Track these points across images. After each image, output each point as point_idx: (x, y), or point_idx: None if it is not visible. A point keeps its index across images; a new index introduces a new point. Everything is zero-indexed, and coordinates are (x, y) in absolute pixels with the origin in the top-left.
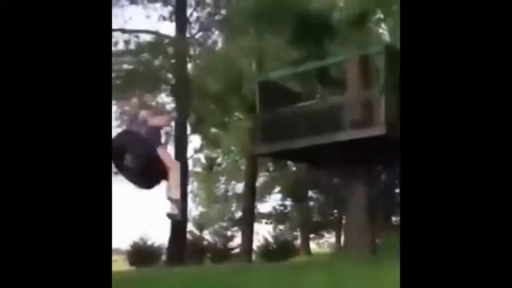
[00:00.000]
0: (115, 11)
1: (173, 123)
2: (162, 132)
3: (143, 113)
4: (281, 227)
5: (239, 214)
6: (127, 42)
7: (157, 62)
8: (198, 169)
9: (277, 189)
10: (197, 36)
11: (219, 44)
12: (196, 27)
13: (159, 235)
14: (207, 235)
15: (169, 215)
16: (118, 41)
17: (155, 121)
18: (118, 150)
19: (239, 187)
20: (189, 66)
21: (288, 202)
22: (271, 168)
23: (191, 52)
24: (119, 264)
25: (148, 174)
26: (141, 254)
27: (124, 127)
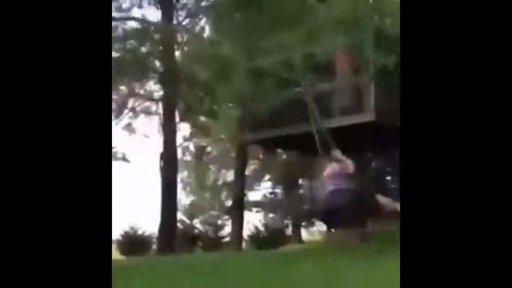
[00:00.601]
0: None
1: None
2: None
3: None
4: (271, 215)
5: (229, 203)
6: (113, 29)
7: (144, 49)
8: (188, 158)
9: (268, 177)
10: (184, 22)
11: (207, 31)
12: (183, 13)
13: (150, 224)
14: (197, 224)
15: None
16: None
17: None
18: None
19: (229, 175)
20: (177, 53)
21: (278, 190)
22: (261, 156)
23: (179, 39)
24: None
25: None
26: (132, 243)
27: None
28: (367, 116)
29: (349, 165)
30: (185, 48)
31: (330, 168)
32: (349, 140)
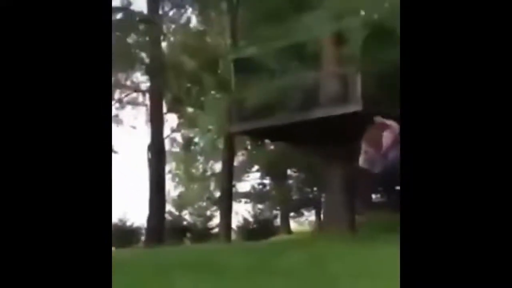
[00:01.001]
0: None
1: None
2: None
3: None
4: (260, 206)
5: (218, 194)
6: None
7: (130, 40)
8: (176, 149)
9: (256, 167)
10: (170, 13)
11: (193, 22)
12: (169, 4)
13: (138, 216)
14: (186, 215)
15: None
16: None
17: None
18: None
19: (218, 166)
20: (163, 44)
21: (267, 181)
22: (249, 147)
23: (165, 29)
24: None
25: None
26: (121, 235)
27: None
28: (354, 106)
29: (396, 126)
30: (172, 38)
31: (387, 137)
32: (336, 130)
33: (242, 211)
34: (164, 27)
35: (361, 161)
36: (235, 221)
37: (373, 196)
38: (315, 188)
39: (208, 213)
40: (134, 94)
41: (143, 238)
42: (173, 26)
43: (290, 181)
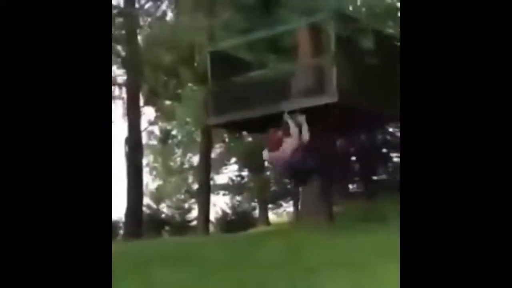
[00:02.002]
0: None
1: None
2: None
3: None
4: (238, 198)
5: (196, 186)
6: None
7: None
8: (153, 142)
9: (233, 160)
10: (146, 6)
11: (169, 14)
12: None
13: (116, 209)
14: (164, 208)
15: None
16: None
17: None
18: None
19: (195, 159)
20: (140, 37)
21: (245, 173)
22: (226, 139)
23: (141, 22)
24: None
25: None
26: None
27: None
28: (330, 97)
29: (294, 132)
30: (148, 31)
31: (288, 143)
32: (312, 121)
33: (220, 203)
34: (140, 20)
35: (271, 168)
36: (214, 214)
37: (350, 186)
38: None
39: (186, 205)
40: None
41: (121, 232)
42: (149, 19)
43: (268, 173)
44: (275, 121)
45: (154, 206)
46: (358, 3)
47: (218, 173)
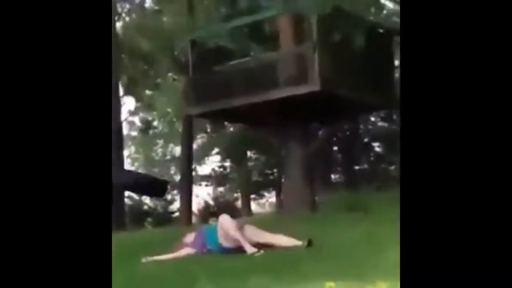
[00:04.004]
0: None
1: None
2: None
3: None
4: (221, 188)
5: (178, 177)
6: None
7: None
8: (134, 133)
9: (216, 150)
10: None
11: (148, 1)
12: None
13: None
14: (146, 200)
15: None
16: None
17: None
18: None
19: (177, 150)
20: (118, 25)
21: (227, 163)
22: (208, 130)
23: (119, 9)
24: None
25: None
26: None
27: None
28: (312, 86)
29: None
30: (127, 19)
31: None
32: (295, 110)
33: (202, 194)
34: (119, 7)
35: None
36: (196, 204)
37: (332, 176)
38: (275, 170)
39: (169, 197)
40: None
41: None
42: (127, 6)
43: (250, 163)
44: (257, 110)
45: (136, 197)
46: None
47: (200, 164)
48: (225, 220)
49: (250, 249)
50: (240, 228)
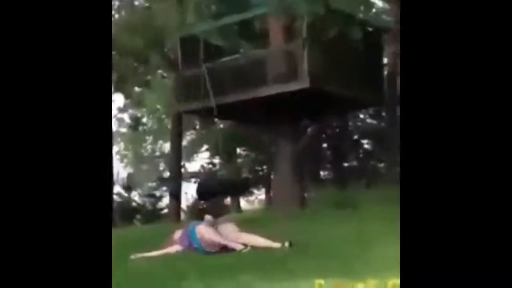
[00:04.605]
0: None
1: None
2: None
3: None
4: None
5: (167, 174)
6: None
7: None
8: (123, 130)
9: (205, 147)
10: None
11: None
12: None
13: None
14: (135, 196)
15: None
16: None
17: None
18: None
19: (166, 146)
20: None
21: (216, 160)
22: (197, 126)
23: None
24: None
25: None
26: None
27: None
28: (302, 83)
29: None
30: (116, 15)
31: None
32: (284, 107)
33: (191, 190)
34: None
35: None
36: (185, 201)
37: (321, 173)
38: (264, 167)
39: (158, 193)
40: None
41: None
42: (117, 3)
43: (240, 160)
44: (246, 107)
45: (125, 194)
46: None
47: (189, 160)
48: (204, 233)
49: (238, 247)
50: (219, 227)
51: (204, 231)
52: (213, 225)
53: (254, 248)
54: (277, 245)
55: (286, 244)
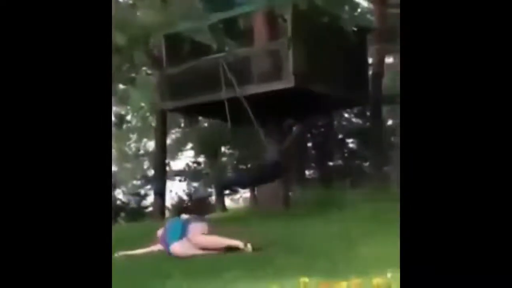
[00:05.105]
0: None
1: None
2: None
3: None
4: (195, 184)
5: (152, 172)
6: None
7: None
8: None
9: (190, 145)
10: None
11: None
12: None
13: None
14: (120, 195)
15: None
16: None
17: None
18: None
19: (151, 144)
20: None
21: (201, 159)
22: (182, 124)
23: None
24: None
25: None
26: None
27: None
28: (286, 82)
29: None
30: None
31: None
32: (269, 106)
33: (176, 189)
34: None
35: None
36: (170, 200)
37: (306, 172)
38: (249, 165)
39: (142, 192)
40: None
41: None
42: None
43: (224, 159)
44: (231, 105)
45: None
46: None
47: (174, 159)
48: (179, 253)
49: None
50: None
51: (178, 251)
52: (188, 222)
53: (215, 250)
54: (240, 243)
55: (249, 246)
